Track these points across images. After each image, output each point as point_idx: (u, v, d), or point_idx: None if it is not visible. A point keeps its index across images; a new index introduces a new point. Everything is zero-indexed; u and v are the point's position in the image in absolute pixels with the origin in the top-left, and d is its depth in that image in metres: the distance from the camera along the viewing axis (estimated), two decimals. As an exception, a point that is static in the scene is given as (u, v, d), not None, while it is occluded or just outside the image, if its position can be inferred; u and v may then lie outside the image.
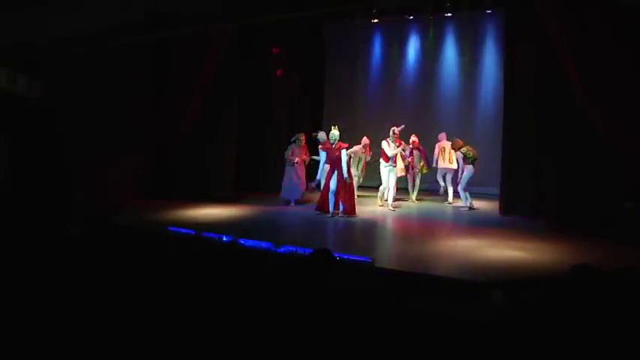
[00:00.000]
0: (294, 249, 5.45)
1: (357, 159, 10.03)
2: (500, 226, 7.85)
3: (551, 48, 7.53)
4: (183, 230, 6.32)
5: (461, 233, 7.50)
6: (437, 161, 10.01)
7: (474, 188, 9.72)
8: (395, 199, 9.39)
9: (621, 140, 6.96)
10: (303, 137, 9.74)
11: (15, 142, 8.97)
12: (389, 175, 9.13)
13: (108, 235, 4.46)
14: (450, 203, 9.89)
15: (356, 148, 10.00)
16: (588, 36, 6.98)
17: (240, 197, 10.05)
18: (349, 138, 9.82)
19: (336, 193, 8.40)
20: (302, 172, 9.72)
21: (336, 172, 8.39)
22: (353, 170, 9.47)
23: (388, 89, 12.73)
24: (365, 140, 10.20)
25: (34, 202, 7.50)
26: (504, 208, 8.83)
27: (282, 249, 5.59)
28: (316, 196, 9.78)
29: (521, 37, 8.70)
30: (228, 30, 9.65)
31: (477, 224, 8.09)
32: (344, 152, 8.33)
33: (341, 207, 8.46)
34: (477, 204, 9.65)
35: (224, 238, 5.63)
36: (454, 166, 9.67)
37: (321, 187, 9.09)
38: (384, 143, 9.09)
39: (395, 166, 9.25)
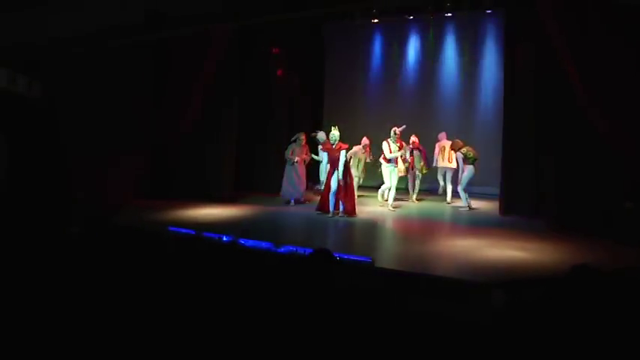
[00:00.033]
0: (294, 249, 5.46)
1: (357, 160, 10.04)
2: (500, 226, 7.85)
3: (551, 48, 7.53)
4: (183, 230, 6.32)
5: (461, 233, 7.50)
6: (437, 160, 10.02)
7: (474, 188, 9.73)
8: (395, 199, 9.38)
9: (621, 140, 6.96)
10: (303, 136, 9.74)
11: (15, 142, 8.98)
12: (391, 175, 9.11)
13: (108, 235, 4.46)
14: (448, 203, 9.89)
15: (356, 148, 10.01)
16: (588, 36, 6.98)
17: (240, 197, 10.05)
18: (349, 138, 9.82)
19: (337, 193, 8.40)
20: (302, 171, 9.72)
21: (336, 173, 8.40)
22: (353, 171, 9.47)
23: (388, 89, 12.73)
24: (365, 140, 10.21)
25: (34, 202, 7.50)
26: (504, 208, 8.83)
27: (282, 249, 5.59)
28: (315, 196, 9.82)
29: (521, 37, 8.70)
30: (228, 30, 9.65)
31: (477, 224, 8.09)
32: (343, 153, 8.33)
33: (341, 207, 8.46)
34: (477, 204, 9.66)
35: (224, 238, 5.63)
36: (453, 165, 9.68)
37: (322, 188, 9.10)
38: (384, 144, 9.08)
39: (396, 167, 9.25)
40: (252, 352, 2.45)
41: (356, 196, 9.08)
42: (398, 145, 9.08)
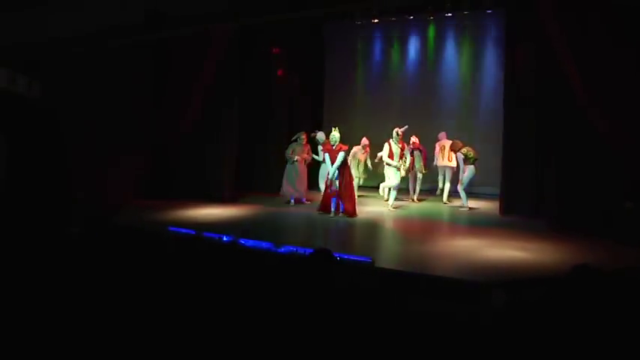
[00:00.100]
0: (295, 249, 5.46)
1: (357, 160, 10.05)
2: (500, 226, 7.85)
3: (552, 48, 7.53)
4: (183, 230, 6.31)
5: (461, 233, 7.50)
6: (437, 159, 10.03)
7: (474, 188, 9.73)
8: (395, 199, 9.37)
9: (621, 140, 6.95)
10: (304, 136, 9.74)
11: (15, 142, 8.98)
12: (396, 174, 9.08)
13: (108, 235, 4.46)
14: (445, 203, 9.89)
15: (355, 149, 10.02)
16: (588, 36, 6.98)
17: (241, 197, 10.05)
18: (349, 138, 9.82)
19: (338, 193, 8.41)
20: (303, 171, 9.71)
21: (335, 173, 8.40)
22: (353, 171, 9.47)
23: (388, 89, 12.73)
24: (364, 141, 10.21)
25: (34, 202, 7.50)
26: (504, 208, 8.83)
27: (282, 249, 5.59)
28: (315, 196, 9.81)
29: (522, 37, 8.69)
30: (228, 30, 9.65)
31: (477, 224, 8.09)
32: (341, 154, 8.33)
33: (341, 207, 8.47)
34: (477, 204, 9.66)
35: (224, 238, 5.63)
36: (453, 164, 9.69)
37: (321, 189, 9.09)
38: (386, 145, 9.06)
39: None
40: (253, 352, 2.45)
41: (356, 197, 9.08)
42: (400, 146, 9.06)
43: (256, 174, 11.29)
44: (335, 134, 8.55)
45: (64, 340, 2.61)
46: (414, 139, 9.97)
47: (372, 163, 10.16)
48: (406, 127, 9.41)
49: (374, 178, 10.45)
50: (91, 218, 5.52)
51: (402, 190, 10.03)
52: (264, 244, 5.85)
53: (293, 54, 11.61)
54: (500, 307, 3.10)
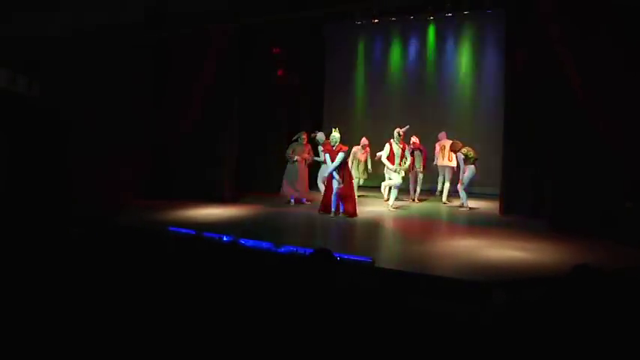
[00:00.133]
0: (295, 249, 5.45)
1: (357, 160, 10.04)
2: (500, 226, 7.85)
3: (552, 48, 7.54)
4: (184, 230, 6.31)
5: (461, 233, 7.50)
6: (437, 159, 10.04)
7: (474, 188, 9.73)
8: (395, 199, 9.37)
9: (621, 140, 6.96)
10: (305, 136, 9.73)
11: (15, 142, 8.98)
12: (397, 175, 9.07)
13: (108, 235, 4.46)
14: (445, 203, 9.89)
15: (355, 149, 10.01)
16: (588, 36, 6.98)
17: (241, 197, 10.05)
18: (349, 138, 9.82)
19: (338, 193, 8.41)
20: (303, 171, 9.70)
21: (335, 174, 8.40)
22: (353, 171, 9.47)
23: (388, 89, 12.73)
24: (364, 141, 10.21)
25: (34, 202, 7.50)
26: (504, 208, 8.83)
27: (282, 249, 5.59)
28: (316, 196, 9.82)
29: (522, 37, 8.68)
30: (228, 30, 9.66)
31: (477, 224, 8.09)
32: (340, 155, 8.33)
33: (341, 207, 8.47)
34: (477, 204, 9.66)
35: (224, 238, 5.63)
36: (453, 163, 9.70)
37: (321, 189, 9.10)
38: (387, 146, 9.05)
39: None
40: (253, 352, 2.45)
41: (356, 197, 9.08)
42: (401, 146, 9.06)
43: (256, 174, 11.29)
44: (335, 135, 8.55)
45: (65, 340, 2.61)
46: (414, 139, 9.98)
47: (372, 163, 10.16)
48: (407, 127, 9.41)
49: (374, 178, 10.45)
50: (91, 218, 5.52)
51: (402, 190, 10.03)
52: (264, 244, 5.85)
53: (293, 54, 11.61)
54: (501, 307, 3.10)
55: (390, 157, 9.05)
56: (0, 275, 3.41)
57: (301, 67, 11.87)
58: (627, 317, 2.48)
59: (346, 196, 8.47)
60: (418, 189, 10.37)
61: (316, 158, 9.78)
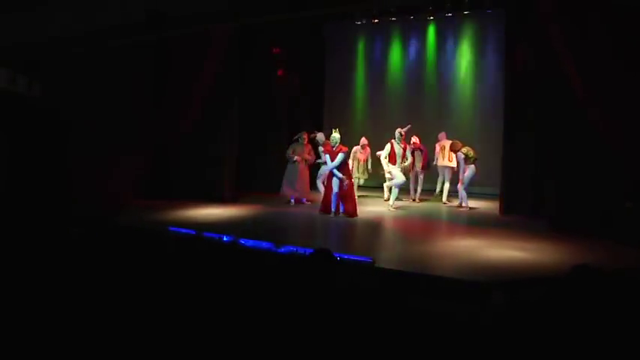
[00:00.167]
0: (295, 249, 5.46)
1: (357, 160, 10.04)
2: (500, 226, 7.85)
3: (552, 48, 7.54)
4: (184, 230, 6.31)
5: (461, 233, 7.50)
6: (437, 159, 10.04)
7: (474, 188, 9.73)
8: (396, 199, 9.37)
9: (621, 140, 6.96)
10: (305, 136, 9.73)
11: (16, 142, 8.98)
12: (399, 172, 9.06)
13: (108, 235, 4.46)
14: (445, 203, 9.89)
15: (354, 149, 10.02)
16: (588, 36, 6.99)
17: (241, 197, 10.04)
18: (349, 138, 9.83)
19: (337, 194, 8.41)
20: (304, 171, 9.68)
21: (335, 174, 8.40)
22: (353, 172, 9.47)
23: (388, 89, 12.73)
24: (363, 140, 10.21)
25: (34, 202, 7.50)
26: (504, 208, 8.83)
27: (282, 249, 5.59)
28: (316, 196, 9.82)
29: (522, 37, 8.69)
30: (228, 30, 9.66)
31: (476, 224, 8.09)
32: (340, 156, 8.33)
33: (342, 208, 8.47)
34: (477, 204, 9.67)
35: (224, 238, 5.63)
36: (453, 164, 9.70)
37: (320, 189, 9.09)
38: (388, 146, 9.04)
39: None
40: (253, 353, 2.45)
41: (356, 197, 9.08)
42: (402, 146, 9.05)
43: (256, 174, 11.29)
44: (335, 135, 8.56)
45: (65, 340, 2.61)
46: (414, 139, 9.98)
47: (372, 163, 10.15)
48: (409, 126, 9.40)
49: (374, 178, 10.45)
50: (91, 218, 5.52)
51: (403, 190, 10.03)
52: (264, 244, 5.85)
53: (293, 54, 11.61)
54: (500, 308, 3.10)
55: (392, 157, 9.04)
56: (0, 275, 3.41)
57: (301, 67, 11.87)
58: (627, 317, 2.48)
59: (346, 196, 8.47)
60: (419, 189, 10.37)
61: (319, 161, 9.76)
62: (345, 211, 8.45)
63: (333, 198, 8.47)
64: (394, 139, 9.03)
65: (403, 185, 9.35)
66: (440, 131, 10.35)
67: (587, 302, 2.55)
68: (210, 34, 9.62)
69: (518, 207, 8.68)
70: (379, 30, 12.67)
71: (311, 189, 10.02)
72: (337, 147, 8.45)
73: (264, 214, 8.90)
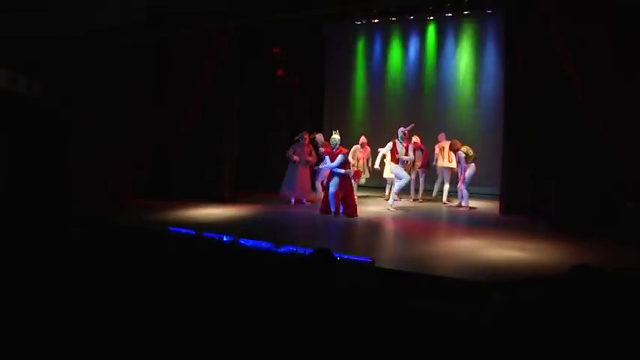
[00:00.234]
0: (295, 249, 5.45)
1: (356, 160, 10.04)
2: (500, 226, 7.85)
3: (552, 48, 7.54)
4: (184, 230, 6.31)
5: (461, 233, 7.50)
6: (437, 160, 10.04)
7: (474, 188, 9.73)
8: (396, 200, 9.37)
9: (621, 140, 6.96)
10: (306, 136, 9.72)
11: (16, 142, 8.98)
12: (402, 171, 9.04)
13: (108, 235, 4.46)
14: (445, 203, 9.89)
15: (354, 148, 10.01)
16: (588, 36, 6.98)
17: (241, 197, 10.04)
18: (349, 138, 9.83)
19: (336, 194, 8.42)
20: (304, 172, 9.66)
21: (336, 176, 8.41)
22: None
23: (388, 89, 12.74)
24: (362, 139, 10.21)
25: (34, 202, 7.50)
26: (504, 208, 8.84)
27: (282, 249, 5.59)
28: (315, 196, 9.83)
29: (522, 37, 8.69)
30: (228, 30, 9.66)
31: (476, 224, 8.09)
32: (340, 157, 8.33)
33: (341, 208, 8.48)
34: (477, 204, 9.67)
35: (224, 238, 5.63)
36: (453, 164, 9.71)
37: (317, 190, 9.09)
38: (389, 144, 9.01)
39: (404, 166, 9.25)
40: (253, 353, 2.45)
41: (356, 197, 9.08)
42: (405, 145, 9.04)
43: (256, 174, 11.29)
44: (335, 137, 8.57)
45: (65, 340, 2.61)
46: (415, 138, 9.99)
47: (373, 162, 10.15)
48: (412, 125, 9.40)
49: (375, 177, 10.45)
50: (91, 218, 5.52)
51: (403, 190, 10.02)
52: (264, 244, 5.85)
53: (293, 54, 11.61)
54: (499, 308, 3.10)
55: (393, 156, 9.03)
56: (0, 275, 3.42)
57: (301, 67, 11.87)
58: (627, 317, 2.48)
59: (346, 196, 8.48)
60: (421, 189, 10.37)
61: (321, 166, 9.73)
62: (345, 211, 8.45)
63: (331, 198, 8.47)
64: (397, 138, 9.01)
65: (406, 187, 9.36)
66: (439, 131, 10.35)
67: (587, 302, 2.55)
68: (210, 34, 9.61)
69: (518, 207, 8.68)
70: (379, 30, 12.68)
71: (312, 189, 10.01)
72: (337, 148, 8.46)
73: (264, 214, 8.90)
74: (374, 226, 8.07)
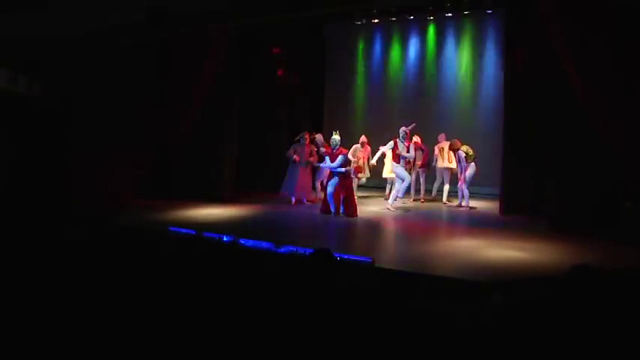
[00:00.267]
0: (295, 249, 5.45)
1: (357, 159, 10.03)
2: (500, 226, 7.85)
3: (552, 48, 7.54)
4: (184, 230, 6.31)
5: (461, 233, 7.51)
6: (436, 161, 10.03)
7: (474, 188, 9.74)
8: (395, 200, 9.37)
9: (621, 140, 6.96)
10: (307, 136, 9.71)
11: (16, 142, 8.98)
12: (404, 171, 9.03)
13: (108, 235, 4.46)
14: (445, 203, 9.89)
15: (354, 147, 10.01)
16: (588, 36, 6.98)
17: (241, 197, 10.04)
18: (349, 138, 9.82)
19: (335, 194, 8.42)
20: (305, 172, 9.64)
21: (336, 177, 8.41)
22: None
23: (388, 89, 12.73)
24: (363, 138, 10.20)
25: (34, 202, 7.50)
26: (504, 208, 8.84)
27: (282, 249, 5.59)
28: (316, 196, 9.83)
29: (522, 37, 8.70)
30: (228, 30, 9.66)
31: (476, 224, 8.10)
32: (340, 158, 8.34)
33: (342, 207, 8.48)
34: (477, 204, 9.67)
35: (224, 238, 5.63)
36: (453, 165, 9.70)
37: (317, 190, 9.09)
38: (391, 142, 9.00)
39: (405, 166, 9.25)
40: (253, 353, 2.45)
41: (356, 197, 9.08)
42: (406, 144, 9.03)
43: (256, 174, 11.29)
44: (335, 137, 8.57)
45: (65, 341, 2.61)
46: (416, 138, 9.97)
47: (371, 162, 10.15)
48: (413, 124, 9.39)
49: (375, 176, 10.45)
50: (91, 218, 5.51)
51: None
52: (264, 244, 5.85)
53: (293, 54, 11.61)
54: (499, 308, 3.10)
55: (394, 155, 9.01)
56: (0, 275, 3.42)
57: (301, 67, 11.86)
58: (627, 317, 2.48)
59: (347, 196, 8.48)
60: (422, 189, 10.36)
61: (322, 165, 9.74)
62: (345, 211, 8.45)
63: (329, 198, 8.48)
64: (398, 137, 9.00)
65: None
66: (439, 131, 10.35)
67: (587, 302, 2.55)
68: (210, 34, 9.61)
69: (518, 207, 8.69)
70: (379, 30, 12.67)
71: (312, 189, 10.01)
72: (337, 149, 8.46)
73: (264, 214, 8.90)
74: (374, 226, 8.07)
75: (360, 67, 13.04)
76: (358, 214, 8.52)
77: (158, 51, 10.20)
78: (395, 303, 3.04)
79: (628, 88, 6.77)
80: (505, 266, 5.59)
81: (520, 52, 8.73)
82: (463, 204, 9.43)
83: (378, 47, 12.87)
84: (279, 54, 11.58)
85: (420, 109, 12.04)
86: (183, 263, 3.60)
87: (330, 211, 8.50)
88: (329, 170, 8.58)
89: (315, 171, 9.94)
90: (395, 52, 12.67)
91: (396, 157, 8.97)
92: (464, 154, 9.11)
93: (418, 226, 8.09)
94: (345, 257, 5.26)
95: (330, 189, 8.44)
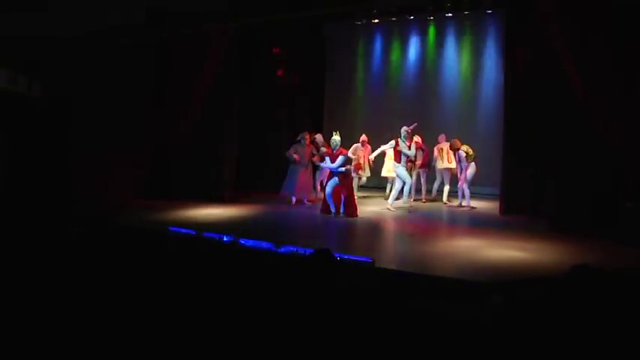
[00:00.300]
0: (295, 249, 5.46)
1: (357, 158, 10.03)
2: (500, 226, 7.85)
3: (552, 48, 7.54)
4: (184, 230, 6.31)
5: (461, 233, 7.50)
6: (436, 161, 10.02)
7: (474, 188, 9.73)
8: (396, 199, 9.37)
9: (621, 140, 6.96)
10: (307, 137, 9.70)
11: (16, 142, 8.99)
12: (405, 172, 9.02)
13: (108, 235, 4.46)
14: (445, 203, 9.89)
15: (354, 146, 10.01)
16: (588, 36, 6.98)
17: (241, 197, 10.04)
18: (349, 138, 9.82)
19: (334, 194, 8.42)
20: (305, 172, 9.63)
21: (335, 177, 8.41)
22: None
23: (388, 89, 12.73)
24: (363, 137, 10.20)
25: (34, 202, 7.50)
26: (504, 208, 8.84)
27: (282, 249, 5.59)
28: (316, 196, 9.83)
29: (522, 37, 8.69)
30: (228, 30, 9.66)
31: (477, 224, 8.10)
32: (340, 158, 8.34)
33: (342, 207, 8.48)
34: (477, 204, 9.67)
35: (224, 238, 5.63)
36: (453, 165, 9.70)
37: (317, 190, 9.09)
38: (392, 142, 8.99)
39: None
40: (253, 353, 2.45)
41: (356, 197, 9.08)
42: (407, 144, 9.01)
43: (256, 174, 11.29)
44: (335, 138, 8.57)
45: (65, 341, 2.61)
46: (416, 138, 9.94)
47: (372, 161, 10.13)
48: (415, 124, 9.38)
49: (375, 175, 10.45)
50: (91, 218, 5.52)
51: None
52: (264, 244, 5.85)
53: (293, 54, 11.60)
54: (499, 308, 3.10)
55: (396, 155, 9.00)
56: (0, 275, 3.42)
57: (301, 67, 11.86)
58: (627, 317, 2.48)
59: (347, 196, 8.48)
60: (423, 189, 10.35)
61: (322, 164, 9.73)
62: (345, 211, 8.45)
63: (328, 198, 8.48)
64: (399, 137, 8.99)
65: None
66: (439, 131, 10.34)
67: (587, 302, 2.55)
68: (210, 34, 9.61)
69: (518, 207, 8.68)
70: (379, 30, 12.67)
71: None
72: (337, 150, 8.46)
73: (264, 214, 8.90)
74: (374, 226, 8.07)
75: (360, 68, 13.03)
76: (358, 214, 8.52)
77: (158, 51, 10.20)
78: (395, 303, 3.04)
79: (628, 88, 6.77)
80: (505, 266, 5.59)
81: (520, 52, 8.72)
82: (464, 204, 9.43)
83: (378, 47, 12.86)
84: (279, 54, 11.58)
85: (420, 109, 12.02)
86: (183, 263, 3.60)
87: (331, 211, 8.50)
88: (329, 170, 8.58)
89: (315, 171, 9.94)
90: (395, 52, 12.67)
91: (398, 157, 8.93)
92: (464, 154, 9.11)
93: (418, 226, 8.08)
94: (345, 257, 5.26)
95: (328, 189, 8.44)
